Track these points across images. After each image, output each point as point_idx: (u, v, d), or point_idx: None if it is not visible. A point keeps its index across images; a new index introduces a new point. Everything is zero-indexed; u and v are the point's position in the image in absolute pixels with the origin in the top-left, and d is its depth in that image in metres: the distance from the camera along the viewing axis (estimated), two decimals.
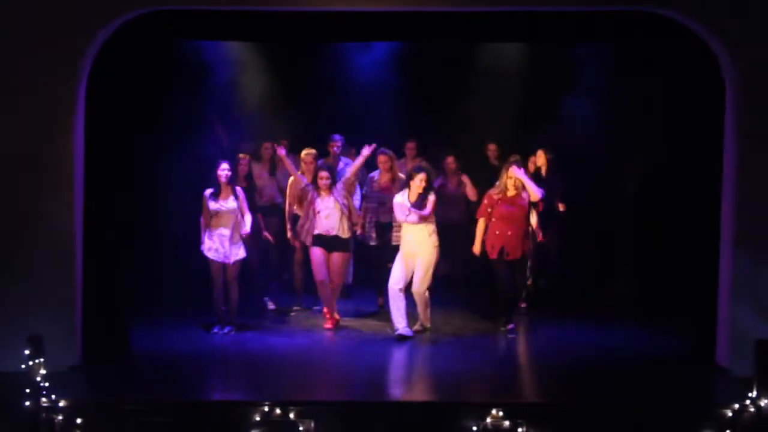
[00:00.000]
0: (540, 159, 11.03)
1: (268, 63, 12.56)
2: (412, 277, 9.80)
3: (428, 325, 9.97)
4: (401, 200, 9.83)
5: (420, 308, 9.89)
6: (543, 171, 11.01)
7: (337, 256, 10.08)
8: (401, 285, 9.76)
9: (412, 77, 12.56)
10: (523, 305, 10.75)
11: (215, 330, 9.91)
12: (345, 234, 10.11)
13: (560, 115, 12.39)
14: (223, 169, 9.87)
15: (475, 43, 12.06)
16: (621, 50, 11.54)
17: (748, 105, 8.45)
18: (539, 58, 12.46)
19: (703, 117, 9.09)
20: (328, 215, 10.05)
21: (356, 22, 9.03)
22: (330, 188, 10.09)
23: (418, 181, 9.77)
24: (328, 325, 10.09)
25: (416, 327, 9.89)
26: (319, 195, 10.10)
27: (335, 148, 11.47)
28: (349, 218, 10.14)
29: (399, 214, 9.82)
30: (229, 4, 8.69)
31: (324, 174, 10.14)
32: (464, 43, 11.83)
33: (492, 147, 11.79)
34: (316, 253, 10.05)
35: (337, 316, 10.17)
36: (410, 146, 11.71)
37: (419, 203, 9.74)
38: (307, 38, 10.29)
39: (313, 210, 10.07)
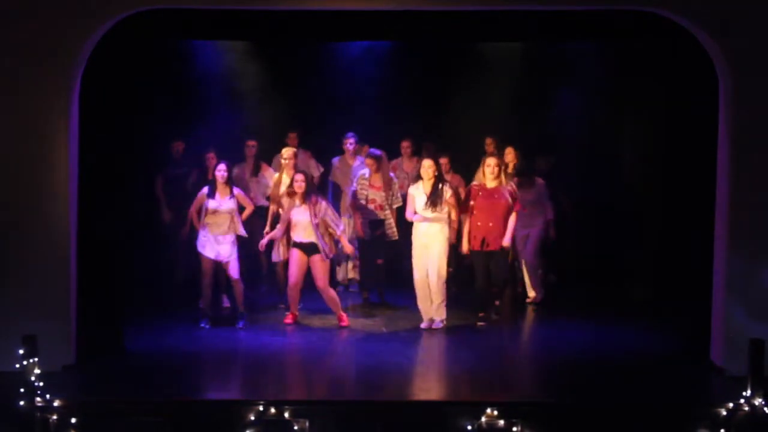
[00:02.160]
0: (509, 156, 11.05)
1: (263, 62, 12.59)
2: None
3: (438, 318, 9.97)
4: (416, 193, 9.91)
5: (435, 300, 9.93)
6: (510, 168, 10.96)
7: (317, 258, 9.90)
8: (424, 276, 9.89)
9: (407, 76, 12.59)
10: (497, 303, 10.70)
11: (202, 324, 9.95)
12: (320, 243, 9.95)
13: (555, 114, 12.43)
14: (220, 170, 9.91)
15: (471, 42, 12.08)
16: (615, 49, 11.57)
17: (741, 104, 8.46)
18: (535, 57, 12.50)
19: (698, 116, 9.10)
20: (303, 227, 9.84)
21: (352, 21, 9.02)
22: (305, 197, 9.78)
23: (427, 168, 9.83)
24: (288, 320, 10.07)
25: (424, 324, 10.01)
26: (293, 202, 9.84)
27: (349, 146, 11.46)
28: (326, 231, 9.92)
29: (416, 206, 9.88)
30: (228, 3, 8.67)
31: (299, 177, 9.82)
32: (460, 42, 11.85)
33: (488, 140, 11.80)
34: (294, 255, 9.94)
35: (295, 312, 10.16)
36: (405, 145, 11.73)
37: (435, 194, 9.82)
38: (303, 37, 10.29)
39: (289, 221, 9.88)
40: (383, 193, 10.71)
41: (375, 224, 10.77)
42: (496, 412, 7.33)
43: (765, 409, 7.49)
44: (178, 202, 11.12)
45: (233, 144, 11.62)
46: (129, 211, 10.34)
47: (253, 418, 7.34)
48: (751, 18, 8.43)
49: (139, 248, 11.23)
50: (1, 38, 8.34)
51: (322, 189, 11.38)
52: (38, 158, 8.37)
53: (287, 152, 10.61)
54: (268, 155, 11.58)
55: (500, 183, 10.01)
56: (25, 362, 7.53)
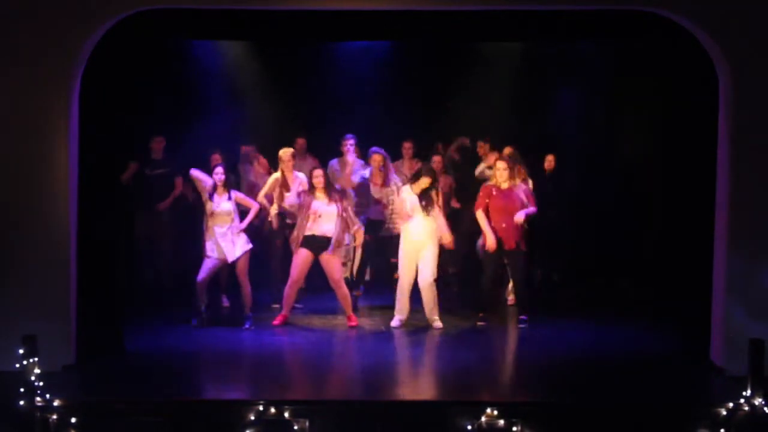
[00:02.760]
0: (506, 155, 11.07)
1: (263, 62, 12.59)
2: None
3: (436, 318, 9.97)
4: (408, 196, 9.92)
5: (429, 302, 9.94)
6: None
7: (328, 256, 9.90)
8: (412, 278, 9.90)
9: (409, 76, 12.60)
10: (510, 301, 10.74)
11: (194, 322, 9.94)
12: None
13: (555, 114, 12.44)
14: (217, 173, 9.90)
15: (471, 42, 12.08)
16: (615, 49, 11.58)
17: (741, 104, 8.46)
18: (535, 57, 12.50)
19: (698, 116, 9.10)
20: (328, 218, 9.86)
21: (352, 21, 9.02)
22: (326, 188, 9.93)
23: (425, 183, 9.88)
24: (278, 321, 10.02)
25: (395, 322, 10.02)
26: (315, 196, 9.96)
27: (348, 147, 11.44)
28: (347, 226, 9.96)
29: (407, 208, 9.90)
30: (228, 3, 8.67)
31: (317, 172, 9.97)
32: (460, 42, 11.86)
33: (480, 144, 11.80)
34: (302, 254, 9.93)
35: (287, 314, 10.10)
36: (407, 146, 11.72)
37: (425, 198, 9.83)
38: (303, 37, 10.29)
39: (310, 213, 9.89)
40: (383, 192, 10.70)
41: (373, 225, 10.74)
42: (496, 412, 7.33)
43: (765, 409, 7.48)
44: (154, 207, 11.05)
45: (232, 144, 11.63)
46: (129, 211, 10.36)
47: (253, 418, 7.33)
48: (751, 18, 8.42)
49: (140, 248, 11.25)
50: (1, 38, 8.33)
51: None
52: (38, 158, 8.36)
53: (285, 153, 10.59)
54: (267, 154, 11.58)
55: (514, 183, 10.04)
56: (25, 362, 7.52)
